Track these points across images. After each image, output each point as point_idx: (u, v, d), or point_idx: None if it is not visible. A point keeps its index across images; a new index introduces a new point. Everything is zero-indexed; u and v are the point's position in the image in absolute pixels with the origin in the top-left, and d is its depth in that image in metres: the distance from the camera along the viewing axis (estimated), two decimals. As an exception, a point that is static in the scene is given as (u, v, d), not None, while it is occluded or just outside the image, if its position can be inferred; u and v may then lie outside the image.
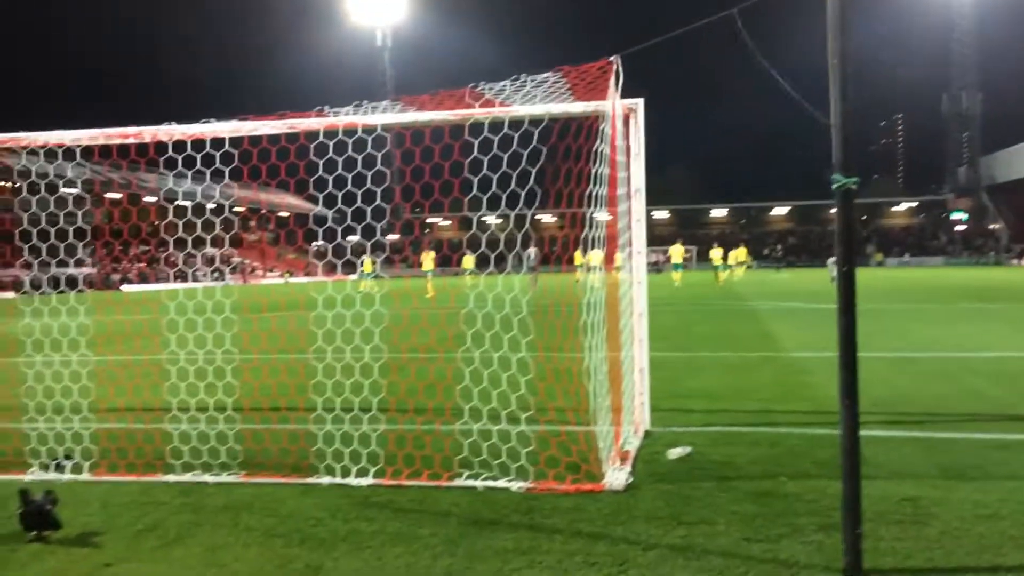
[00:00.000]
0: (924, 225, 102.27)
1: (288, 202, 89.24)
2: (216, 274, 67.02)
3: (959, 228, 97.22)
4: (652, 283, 7.62)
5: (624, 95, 6.52)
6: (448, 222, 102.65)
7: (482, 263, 6.00)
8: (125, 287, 61.84)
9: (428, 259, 33.92)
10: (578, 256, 5.70)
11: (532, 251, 28.00)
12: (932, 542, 4.23)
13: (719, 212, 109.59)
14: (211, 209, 7.21)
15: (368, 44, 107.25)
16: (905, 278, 44.09)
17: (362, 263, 36.52)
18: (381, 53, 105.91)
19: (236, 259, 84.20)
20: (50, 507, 4.62)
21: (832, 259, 43.90)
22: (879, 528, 4.41)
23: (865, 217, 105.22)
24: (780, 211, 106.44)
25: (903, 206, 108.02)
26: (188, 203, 7.44)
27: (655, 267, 76.91)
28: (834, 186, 3.99)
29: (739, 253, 51.98)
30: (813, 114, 4.13)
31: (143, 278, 66.16)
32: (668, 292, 31.24)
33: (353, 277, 35.57)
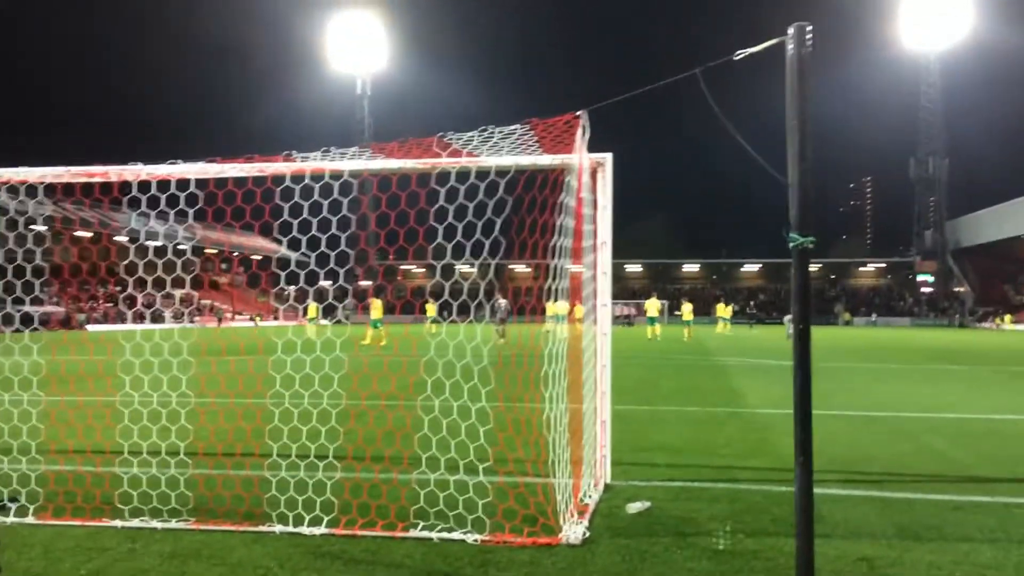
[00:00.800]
0: (891, 286, 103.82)
1: (258, 245, 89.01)
2: (181, 316, 66.31)
3: (925, 290, 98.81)
4: (622, 336, 7.62)
5: (599, 149, 6.62)
6: (421, 270, 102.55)
7: (445, 311, 5.97)
8: (90, 327, 60.90)
9: (376, 307, 32.46)
10: (550, 306, 5.72)
11: (501, 302, 27.89)
12: (886, 603, 4.21)
13: (691, 267, 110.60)
14: (177, 250, 7.16)
15: (348, 92, 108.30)
16: (871, 338, 44.59)
17: (306, 308, 36.10)
18: (361, 101, 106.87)
19: (205, 301, 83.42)
20: (-12, 551, 4.48)
21: (788, 316, 44.41)
22: (834, 588, 4.39)
23: (834, 276, 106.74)
24: (751, 268, 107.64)
25: (871, 267, 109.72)
26: (154, 243, 7.38)
27: (626, 320, 77.32)
28: (791, 244, 4.04)
29: (725, 310, 53.40)
30: (772, 173, 4.20)
31: (108, 318, 65.19)
32: (640, 345, 31.32)
33: (324, 321, 35.32)
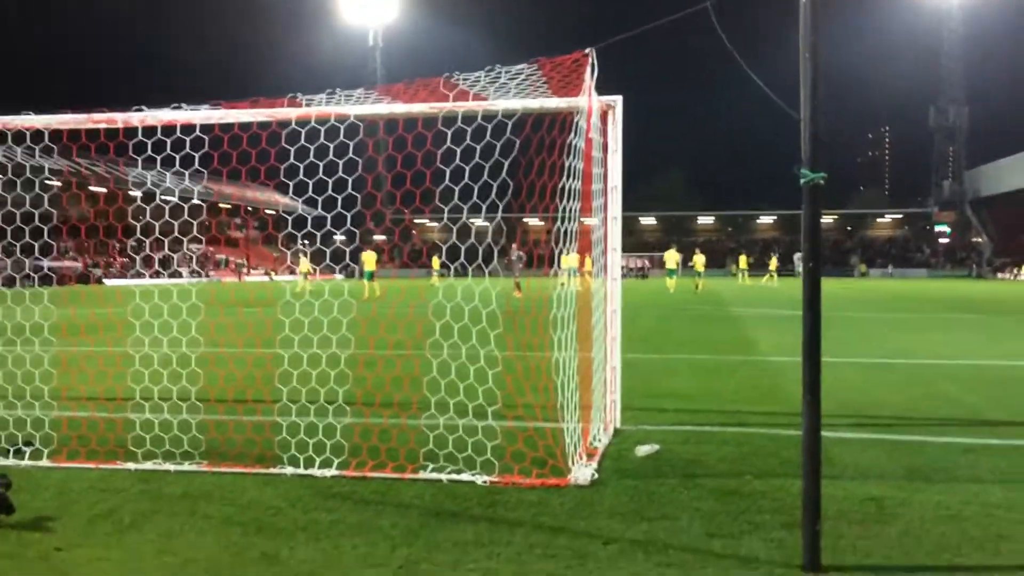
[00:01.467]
0: (908, 237, 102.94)
1: (273, 200, 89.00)
2: (198, 272, 66.67)
3: (943, 241, 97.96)
4: (637, 287, 7.57)
5: (611, 94, 6.51)
6: (435, 223, 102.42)
7: (454, 263, 5.90)
8: (107, 281, 61.40)
9: (368, 260, 31.74)
10: (564, 259, 5.67)
11: (516, 254, 27.54)
12: (892, 541, 4.21)
13: (706, 219, 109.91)
14: (192, 206, 7.15)
15: (360, 44, 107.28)
16: (887, 288, 44.34)
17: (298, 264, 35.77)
18: (373, 52, 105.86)
19: (221, 256, 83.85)
20: (2, 491, 4.54)
21: (798, 255, 44.11)
22: (841, 526, 4.39)
23: (850, 228, 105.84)
24: (767, 220, 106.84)
25: (888, 218, 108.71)
26: (171, 198, 7.37)
27: (640, 272, 77.18)
28: (801, 181, 3.97)
29: (771, 262, 54.62)
30: (783, 107, 4.11)
31: (125, 274, 65.63)
32: (653, 296, 31.28)
33: (317, 278, 35.22)
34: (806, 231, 3.98)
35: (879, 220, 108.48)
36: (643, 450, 5.99)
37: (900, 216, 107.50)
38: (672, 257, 38.69)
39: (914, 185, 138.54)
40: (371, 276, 30.29)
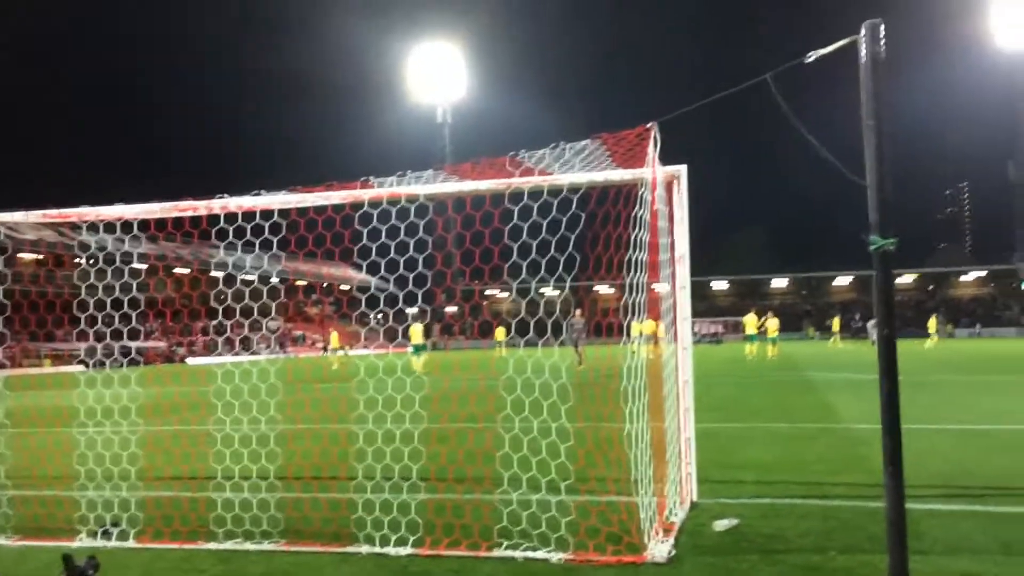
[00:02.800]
0: (994, 295, 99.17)
1: (348, 275, 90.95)
2: (276, 347, 68.08)
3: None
4: (710, 353, 7.47)
5: (677, 163, 6.56)
6: (505, 294, 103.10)
7: (519, 333, 5.92)
8: (190, 360, 63.22)
9: (415, 333, 28.14)
10: (635, 326, 5.66)
11: (577, 320, 25.31)
12: (991, 621, 4.00)
13: (780, 282, 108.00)
14: (272, 283, 7.40)
15: (428, 122, 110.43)
16: (975, 350, 42.64)
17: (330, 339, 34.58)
18: (441, 129, 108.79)
19: (297, 332, 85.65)
20: (92, 572, 4.67)
21: (872, 322, 42.54)
22: (933, 605, 4.20)
23: (932, 287, 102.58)
24: (842, 281, 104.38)
25: (971, 275, 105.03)
26: (251, 277, 7.63)
27: (714, 338, 76.09)
28: (871, 248, 3.93)
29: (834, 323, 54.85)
30: (847, 175, 4.09)
31: (206, 351, 67.53)
32: (728, 364, 30.70)
33: (353, 352, 34.34)
34: (879, 296, 3.92)
35: (962, 278, 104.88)
36: (721, 524, 5.84)
37: (984, 273, 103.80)
38: (752, 322, 37.12)
39: (998, 241, 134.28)
40: (418, 350, 27.68)
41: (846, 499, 6.68)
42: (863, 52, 3.94)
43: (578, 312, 20.08)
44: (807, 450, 9.27)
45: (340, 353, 31.81)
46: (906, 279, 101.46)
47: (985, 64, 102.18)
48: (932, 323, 52.81)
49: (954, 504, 6.45)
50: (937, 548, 5.18)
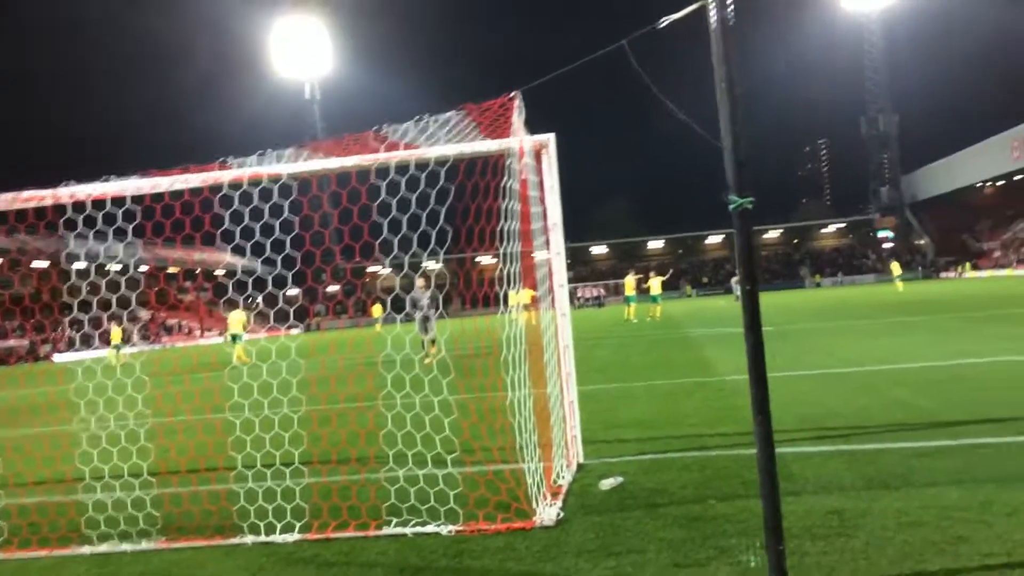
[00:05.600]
0: (854, 245, 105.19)
1: (224, 260, 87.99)
2: (149, 337, 65.33)
3: (887, 245, 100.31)
4: (593, 317, 7.59)
5: (546, 131, 6.57)
6: (387, 270, 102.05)
7: (396, 309, 5.84)
8: (57, 357, 59.91)
9: (234, 321, 25.05)
10: (512, 296, 5.66)
11: (419, 294, 18.21)
12: (857, 553, 4.24)
13: (656, 243, 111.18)
14: (131, 274, 7.02)
15: (297, 97, 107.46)
16: (837, 297, 45.13)
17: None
18: (311, 106, 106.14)
19: (172, 321, 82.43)
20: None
21: (735, 279, 44.30)
22: (805, 543, 4.42)
23: (796, 240, 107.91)
24: (715, 239, 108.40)
25: (832, 227, 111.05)
26: (114, 266, 7.21)
27: (596, 301, 77.60)
28: (731, 207, 4.04)
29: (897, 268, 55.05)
30: (706, 137, 4.19)
31: (73, 346, 64.12)
32: (610, 326, 31.40)
33: (125, 351, 32.33)
34: (741, 254, 4.04)
35: (824, 231, 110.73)
36: (607, 483, 5.98)
37: (844, 225, 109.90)
38: (631, 284, 37.19)
39: (854, 194, 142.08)
40: (236, 338, 24.34)
41: (722, 449, 6.95)
42: (712, 16, 4.02)
43: (420, 282, 15.04)
44: (685, 404, 9.59)
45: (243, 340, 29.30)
46: (772, 234, 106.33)
47: (834, 26, 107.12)
48: (896, 267, 55.18)
49: (822, 446, 6.81)
50: (808, 488, 5.46)
